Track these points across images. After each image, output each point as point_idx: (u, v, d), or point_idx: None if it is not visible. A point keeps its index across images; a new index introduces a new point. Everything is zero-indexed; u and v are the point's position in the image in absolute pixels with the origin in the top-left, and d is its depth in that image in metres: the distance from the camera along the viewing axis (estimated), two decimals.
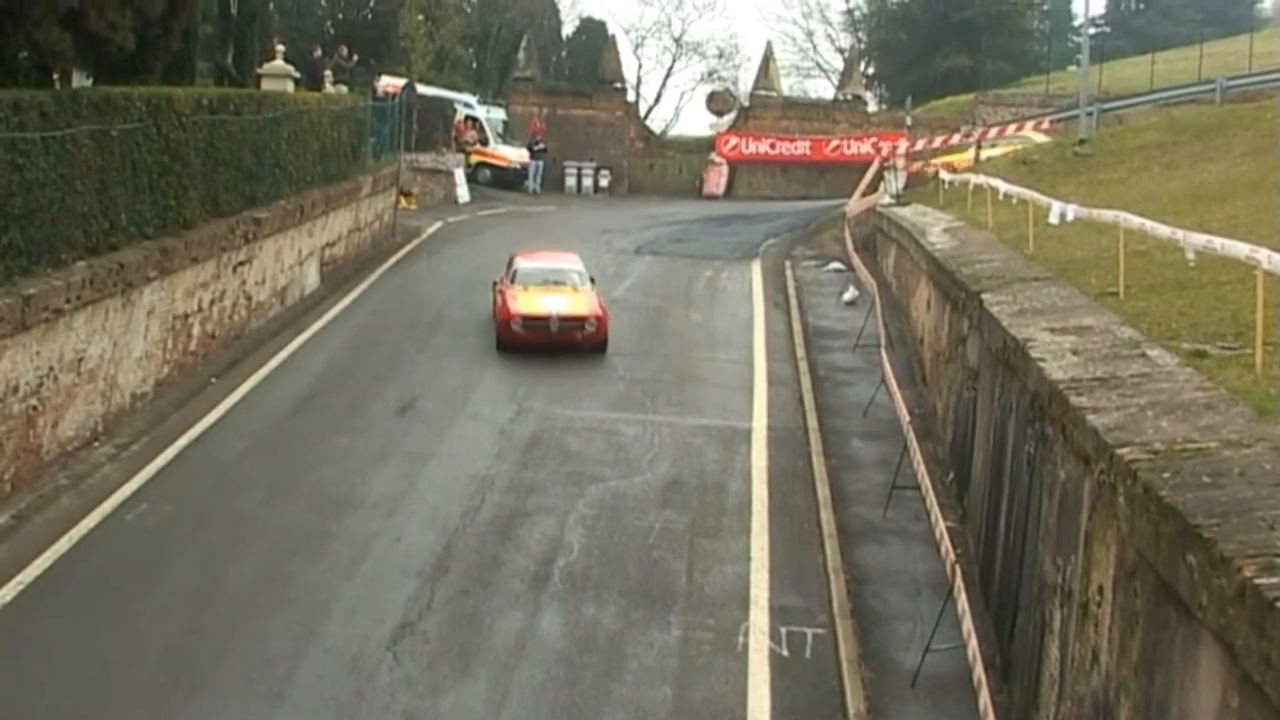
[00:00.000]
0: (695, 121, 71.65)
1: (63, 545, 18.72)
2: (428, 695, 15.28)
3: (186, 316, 26.26)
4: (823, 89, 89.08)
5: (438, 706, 15.05)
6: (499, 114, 61.69)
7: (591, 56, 73.69)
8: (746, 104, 67.40)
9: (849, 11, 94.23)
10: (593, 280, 31.73)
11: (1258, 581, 7.87)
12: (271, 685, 15.39)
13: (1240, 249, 14.09)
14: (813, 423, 25.38)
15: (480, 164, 58.39)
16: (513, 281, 30.68)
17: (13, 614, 16.75)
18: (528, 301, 29.70)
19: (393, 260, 40.25)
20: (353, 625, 16.87)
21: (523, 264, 31.64)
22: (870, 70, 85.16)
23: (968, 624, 15.29)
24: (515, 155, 59.64)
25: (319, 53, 47.05)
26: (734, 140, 62.96)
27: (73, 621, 16.53)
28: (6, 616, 16.69)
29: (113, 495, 20.53)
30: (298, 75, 37.93)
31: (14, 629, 16.37)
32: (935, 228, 30.39)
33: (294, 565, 18.59)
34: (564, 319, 29.43)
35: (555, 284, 30.69)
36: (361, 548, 19.18)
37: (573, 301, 29.99)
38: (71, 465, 21.32)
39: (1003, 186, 29.55)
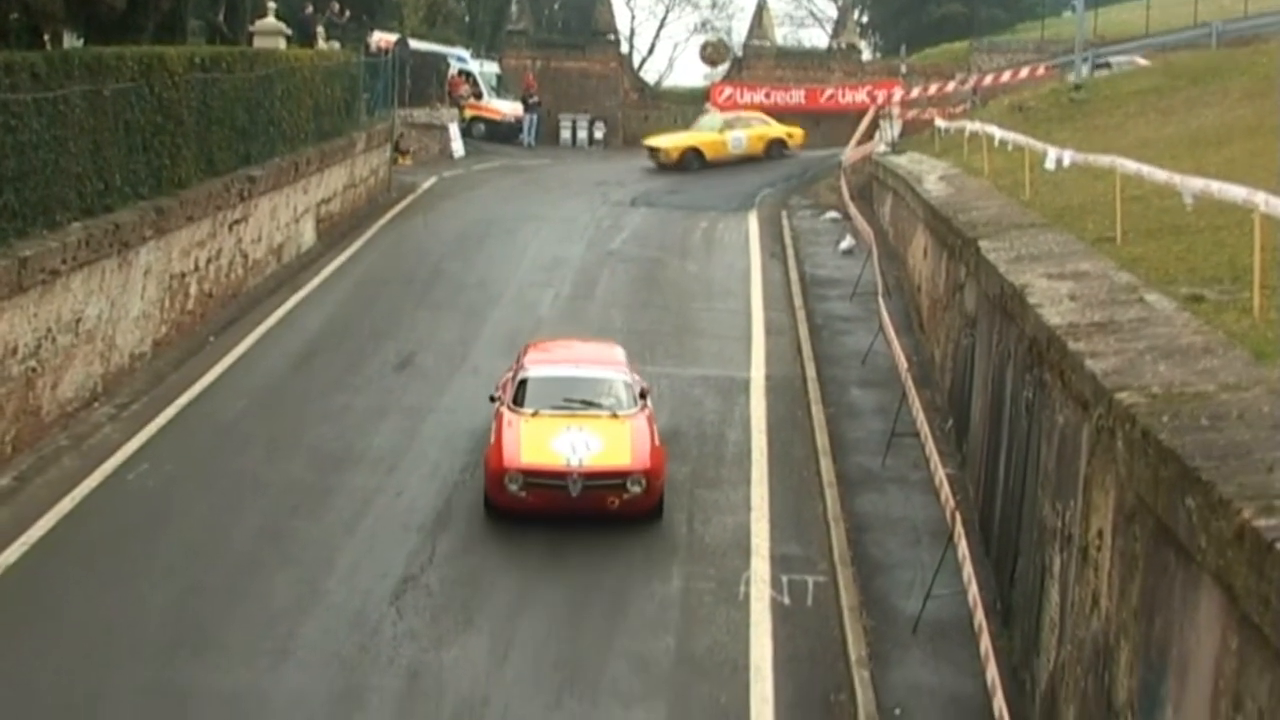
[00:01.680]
0: (689, 73, 71.46)
1: (65, 506, 18.77)
2: (431, 649, 15.35)
3: (183, 276, 26.23)
4: (817, 38, 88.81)
5: (441, 660, 15.12)
6: (493, 68, 61.39)
7: (584, 9, 73.25)
8: (740, 54, 67.04)
9: None
10: (644, 394, 20.68)
11: (1256, 523, 7.90)
12: (275, 642, 15.45)
13: (1237, 193, 14.05)
14: (811, 372, 25.40)
15: (475, 118, 58.17)
16: (518, 403, 19.97)
17: (16, 575, 16.82)
18: (534, 442, 18.98)
19: (388, 216, 40.16)
20: (355, 581, 16.93)
21: (536, 371, 20.67)
22: (864, 19, 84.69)
23: (968, 570, 15.35)
24: (509, 109, 59.40)
25: (311, 9, 46.72)
26: (728, 91, 62.67)
27: (76, 582, 16.59)
28: (10, 578, 16.75)
29: (113, 455, 20.57)
30: (290, 32, 37.70)
31: (18, 590, 16.43)
32: (931, 175, 30.33)
33: (295, 522, 18.65)
34: (592, 475, 18.51)
35: (583, 407, 19.93)
36: (362, 503, 19.22)
37: (608, 442, 19.03)
38: (72, 426, 21.34)
39: (998, 133, 29.46)
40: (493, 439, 19.46)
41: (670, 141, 52.23)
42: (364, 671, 14.92)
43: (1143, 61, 47.53)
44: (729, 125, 52.72)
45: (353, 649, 15.36)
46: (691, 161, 50.58)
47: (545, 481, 18.45)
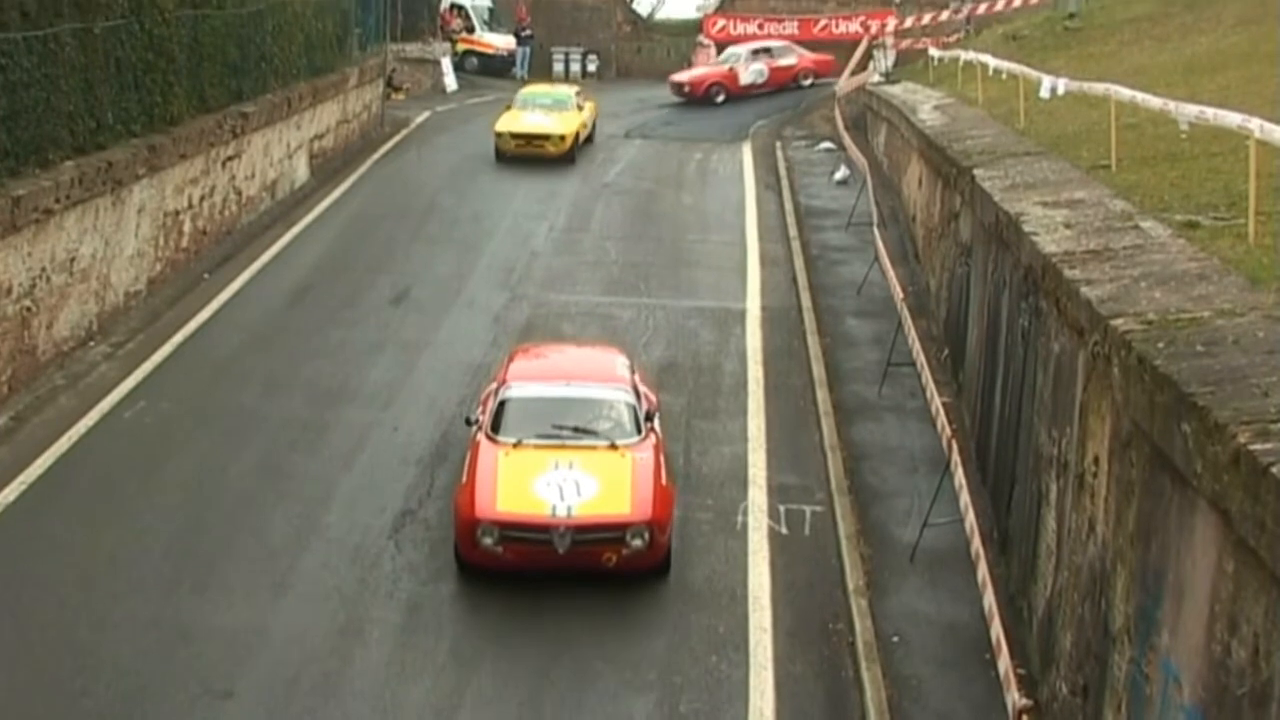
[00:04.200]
0: (682, 4, 70.73)
1: (63, 445, 18.80)
2: (430, 582, 15.42)
3: (177, 213, 26.17)
4: None
5: (440, 593, 15.18)
6: (485, 1, 61.07)
7: None
8: None
9: None
10: (649, 417, 17.46)
11: (1252, 447, 7.93)
12: (275, 577, 15.53)
13: (1233, 119, 14.04)
14: (806, 302, 25.41)
15: (467, 52, 57.91)
16: (496, 430, 16.75)
17: (16, 514, 16.86)
18: (513, 484, 15.81)
19: (382, 151, 40.03)
20: (354, 515, 16.99)
21: (519, 390, 17.38)
22: None
23: (965, 498, 15.42)
24: (502, 42, 59.10)
25: None
26: (722, 22, 62.30)
27: (76, 520, 16.63)
28: (10, 516, 16.80)
29: (110, 394, 20.58)
30: None
31: (18, 529, 16.48)
32: (925, 105, 30.23)
33: (293, 458, 18.68)
34: (583, 528, 15.41)
35: (575, 435, 16.78)
36: (360, 438, 19.26)
37: (605, 484, 15.86)
38: (68, 365, 21.35)
39: (992, 62, 29.37)
40: (465, 477, 16.20)
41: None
42: (364, 605, 15.00)
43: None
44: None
45: (352, 583, 15.44)
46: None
47: (526, 535, 15.35)
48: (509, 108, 39.68)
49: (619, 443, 16.49)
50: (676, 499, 16.56)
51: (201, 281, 26.15)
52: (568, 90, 41.87)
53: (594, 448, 16.39)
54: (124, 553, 15.95)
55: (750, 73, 50.95)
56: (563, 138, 37.57)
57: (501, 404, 17.02)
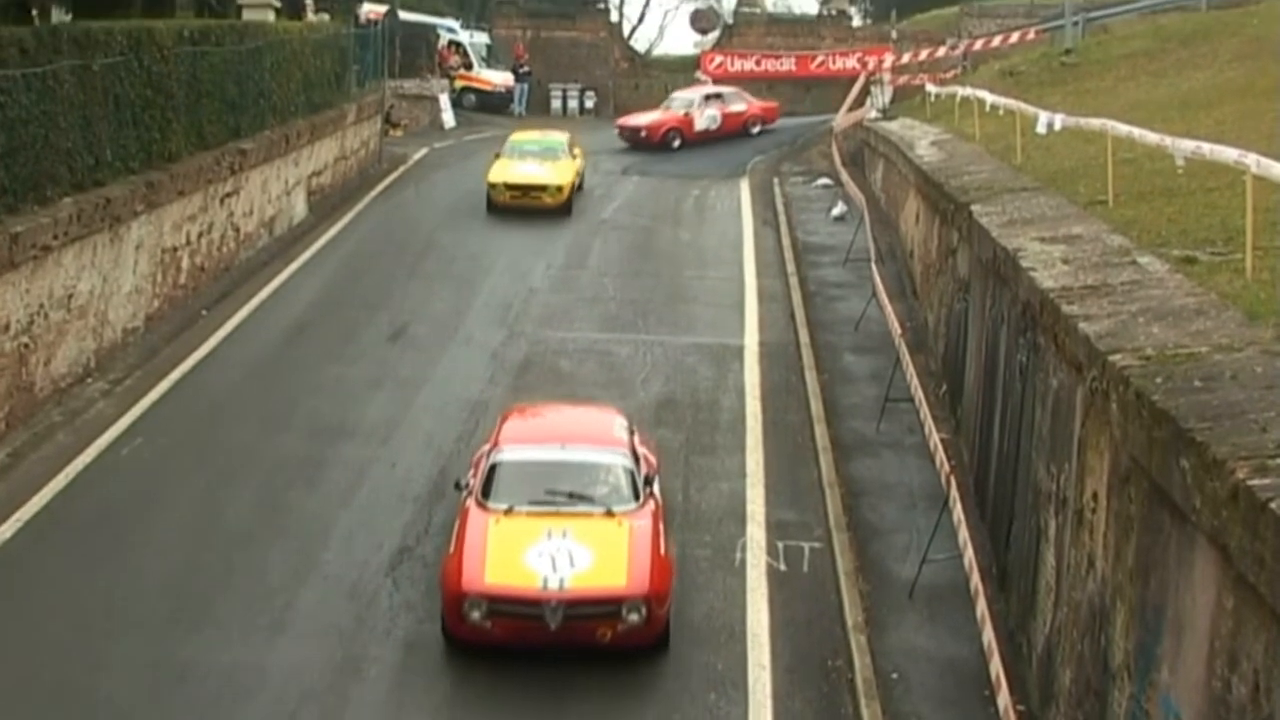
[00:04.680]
0: (680, 41, 71.08)
1: (60, 481, 18.76)
2: (428, 620, 15.33)
3: (175, 250, 26.18)
4: (807, 4, 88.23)
5: (438, 631, 15.10)
6: (482, 38, 61.21)
7: None
8: (731, 22, 66.86)
9: None
10: (649, 482, 16.62)
11: (1251, 483, 7.92)
12: (272, 615, 15.48)
13: (1229, 154, 14.07)
14: (804, 338, 25.41)
15: (465, 89, 58.05)
16: (487, 495, 16.00)
17: (13, 551, 16.82)
18: (503, 554, 15.07)
19: (380, 187, 40.06)
20: (351, 552, 16.95)
21: (511, 454, 16.54)
22: None
23: (963, 534, 15.40)
24: (500, 79, 59.26)
25: None
26: (719, 59, 62.51)
27: (73, 557, 16.59)
28: (7, 554, 16.75)
29: (107, 430, 20.55)
30: (279, 4, 37.63)
31: (14, 566, 16.44)
32: (923, 140, 30.30)
33: (291, 495, 18.64)
34: (576, 602, 14.61)
35: (570, 501, 15.96)
36: (357, 475, 19.22)
37: (600, 555, 15.08)
38: (65, 402, 21.33)
39: (989, 98, 29.44)
40: (452, 545, 15.42)
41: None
42: (361, 643, 14.94)
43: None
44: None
45: (350, 621, 15.38)
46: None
47: (515, 609, 14.57)
48: (499, 156, 37.71)
49: (616, 509, 15.68)
50: (675, 536, 16.55)
51: (199, 318, 26.14)
52: (560, 137, 39.97)
53: (589, 515, 15.58)
54: (121, 590, 15.90)
55: (705, 118, 49.58)
56: (560, 188, 35.97)
57: (493, 468, 16.24)
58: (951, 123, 32.46)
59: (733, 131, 49.90)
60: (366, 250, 32.19)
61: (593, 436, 17.07)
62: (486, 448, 17.12)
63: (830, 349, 24.85)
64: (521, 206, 35.53)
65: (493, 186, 35.94)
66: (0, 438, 19.62)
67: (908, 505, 18.51)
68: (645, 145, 48.07)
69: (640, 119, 50.18)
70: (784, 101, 55.80)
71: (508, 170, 36.53)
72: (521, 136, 39.66)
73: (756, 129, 50.83)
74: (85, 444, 20.00)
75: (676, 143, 48.43)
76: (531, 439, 16.97)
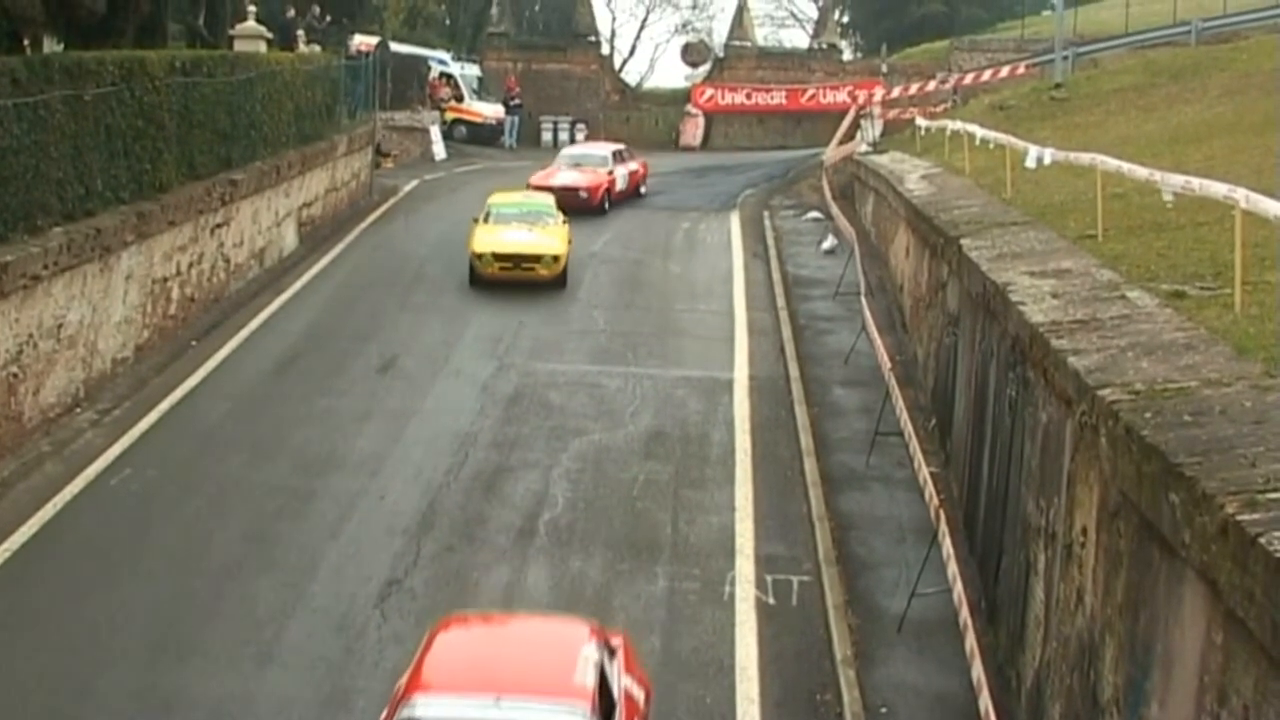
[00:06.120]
0: (670, 74, 71.41)
1: (47, 512, 18.70)
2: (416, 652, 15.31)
3: (165, 280, 26.17)
4: (798, 38, 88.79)
5: None
6: (473, 70, 61.38)
7: (565, 10, 73.22)
8: (721, 55, 67.16)
9: None
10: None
11: (1240, 518, 7.92)
12: (260, 646, 15.43)
13: (1218, 189, 14.10)
14: (794, 371, 25.42)
15: (456, 121, 58.15)
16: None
17: (0, 581, 16.75)
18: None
19: (370, 219, 40.06)
20: (340, 584, 16.91)
21: (424, 712, 11.17)
22: (845, 19, 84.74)
23: (952, 568, 15.37)
24: (491, 111, 59.38)
25: (291, 13, 46.67)
26: (710, 91, 62.78)
27: (60, 588, 16.54)
28: None
29: (96, 461, 20.50)
30: (270, 36, 37.67)
31: (2, 595, 16.37)
32: (913, 174, 30.37)
33: (279, 526, 18.61)
34: None
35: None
36: (346, 507, 19.19)
37: None
38: (54, 432, 21.28)
39: (979, 132, 29.52)
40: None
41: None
42: (350, 675, 14.90)
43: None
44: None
45: (338, 652, 15.34)
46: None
47: None
48: (480, 221, 32.68)
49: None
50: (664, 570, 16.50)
51: (189, 349, 26.11)
52: (545, 199, 34.95)
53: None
54: (108, 621, 15.84)
55: (621, 178, 43.15)
56: (555, 258, 31.30)
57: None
58: (941, 156, 32.55)
59: (634, 191, 44.38)
60: (357, 282, 32.18)
61: (543, 681, 11.72)
62: (404, 680, 12.13)
63: (820, 382, 24.86)
64: (513, 280, 31.05)
65: (478, 257, 31.28)
66: None
67: (897, 539, 18.49)
68: (584, 208, 39.17)
69: (574, 179, 41.23)
70: (775, 135, 55.94)
71: (495, 238, 31.80)
72: (502, 199, 34.46)
73: (644, 190, 45.18)
74: (74, 474, 19.95)
75: (606, 205, 41.42)
76: (458, 683, 11.64)
